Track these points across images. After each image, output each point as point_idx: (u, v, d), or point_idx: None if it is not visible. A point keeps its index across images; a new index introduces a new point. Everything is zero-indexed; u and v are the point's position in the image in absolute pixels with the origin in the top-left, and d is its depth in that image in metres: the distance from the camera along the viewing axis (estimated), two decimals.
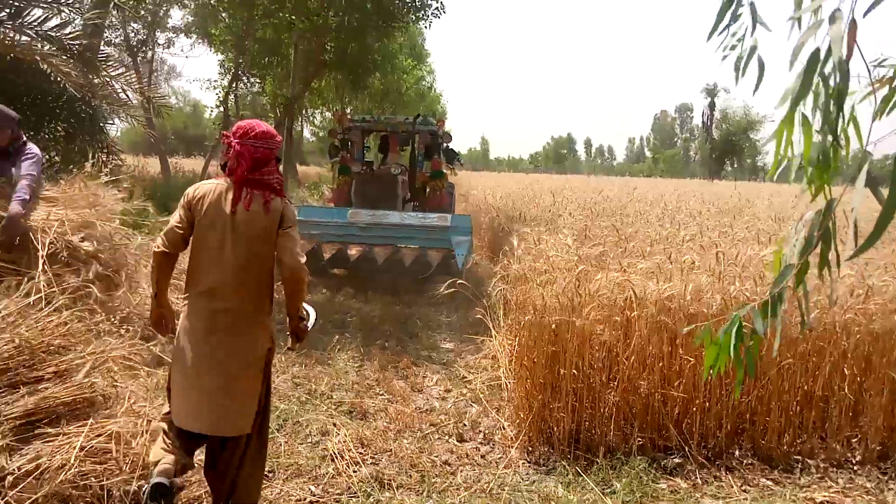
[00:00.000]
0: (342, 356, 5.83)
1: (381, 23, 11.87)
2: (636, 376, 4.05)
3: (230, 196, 2.88)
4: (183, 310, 2.94)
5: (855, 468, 3.96)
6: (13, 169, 4.24)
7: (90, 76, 6.30)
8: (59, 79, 5.77)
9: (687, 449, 3.96)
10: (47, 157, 6.84)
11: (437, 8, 12.36)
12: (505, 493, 3.56)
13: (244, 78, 16.83)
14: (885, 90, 1.43)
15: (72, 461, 2.56)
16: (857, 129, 1.52)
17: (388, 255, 8.23)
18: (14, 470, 2.48)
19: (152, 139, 9.58)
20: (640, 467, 3.72)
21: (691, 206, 11.96)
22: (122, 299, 4.49)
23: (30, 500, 2.43)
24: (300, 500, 3.41)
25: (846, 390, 4.05)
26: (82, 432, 2.68)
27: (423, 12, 12.25)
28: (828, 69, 1.41)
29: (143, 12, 16.89)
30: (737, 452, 4.02)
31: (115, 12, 13.30)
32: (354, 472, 3.70)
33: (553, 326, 4.08)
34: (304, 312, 3.15)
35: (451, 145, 10.76)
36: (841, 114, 1.44)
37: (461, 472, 3.82)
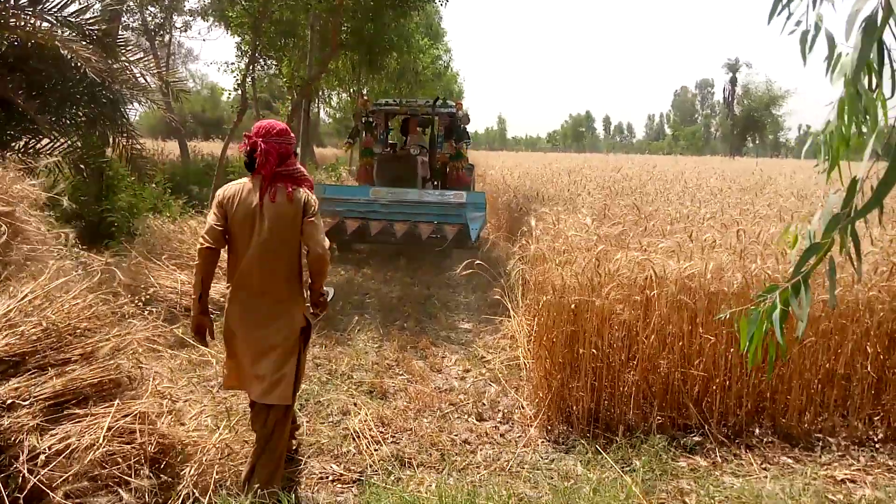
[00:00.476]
0: (362, 337, 5.89)
1: (397, 2, 11.79)
2: (656, 355, 4.04)
3: (257, 192, 3.13)
4: (228, 299, 3.24)
5: (877, 446, 3.93)
6: None
7: (109, 61, 6.32)
8: (79, 64, 5.80)
9: (707, 427, 3.96)
10: (69, 141, 6.90)
11: None
12: (524, 471, 3.59)
13: (261, 60, 16.82)
14: None
15: (100, 441, 2.61)
16: (884, 104, 1.48)
17: (407, 230, 8.62)
18: (45, 449, 2.54)
19: (173, 123, 9.65)
20: (660, 446, 3.72)
21: (712, 183, 11.81)
22: None
23: (60, 479, 2.50)
24: (322, 478, 3.47)
25: (869, 368, 4.01)
26: (109, 413, 2.74)
27: None
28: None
29: None
30: (757, 431, 4.01)
31: None
32: (375, 450, 3.74)
33: (572, 306, 4.07)
34: (324, 290, 3.38)
35: (466, 126, 10.96)
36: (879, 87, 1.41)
37: (481, 450, 3.85)
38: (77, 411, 2.73)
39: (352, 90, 23.24)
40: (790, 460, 3.78)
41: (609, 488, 3.36)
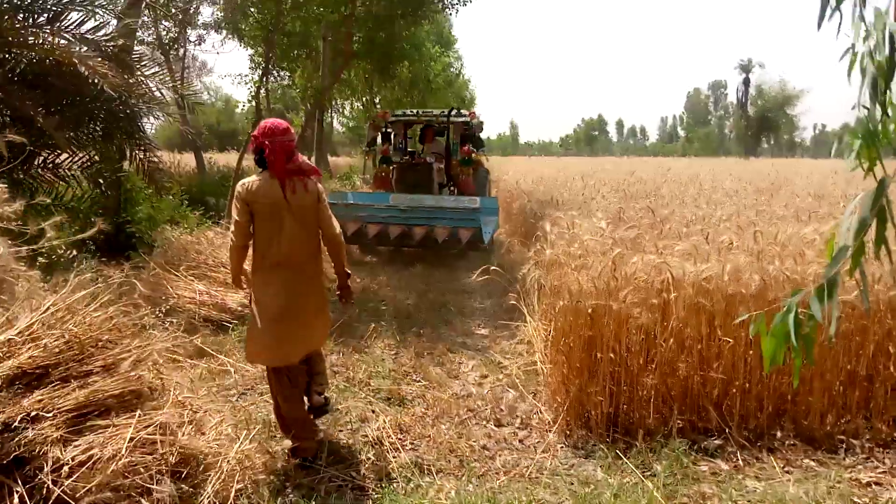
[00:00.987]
0: (378, 344, 5.90)
1: (408, 11, 11.86)
2: (674, 359, 4.02)
3: (276, 185, 3.54)
4: (255, 286, 3.67)
5: None
6: None
7: (126, 76, 6.41)
8: (96, 80, 5.88)
9: (727, 430, 3.93)
10: (87, 156, 7.00)
11: None
12: (544, 477, 3.58)
13: (274, 71, 16.96)
14: None
15: (122, 451, 2.64)
16: None
17: (425, 233, 9.18)
18: (69, 460, 2.57)
19: (189, 136, 9.74)
20: (681, 449, 3.69)
21: (727, 185, 11.73)
22: None
23: (84, 489, 2.52)
24: (342, 486, 3.48)
25: (892, 369, 3.96)
26: (131, 424, 2.76)
27: (449, 0, 12.22)
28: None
29: (173, 11, 17.11)
30: (778, 433, 3.96)
31: (147, 12, 13.51)
32: (394, 457, 3.75)
33: (589, 311, 4.06)
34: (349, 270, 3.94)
35: (480, 134, 11.45)
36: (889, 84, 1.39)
37: (500, 456, 3.84)
38: (99, 422, 2.76)
39: (364, 99, 23.36)
40: (813, 463, 3.73)
41: (630, 493, 3.35)
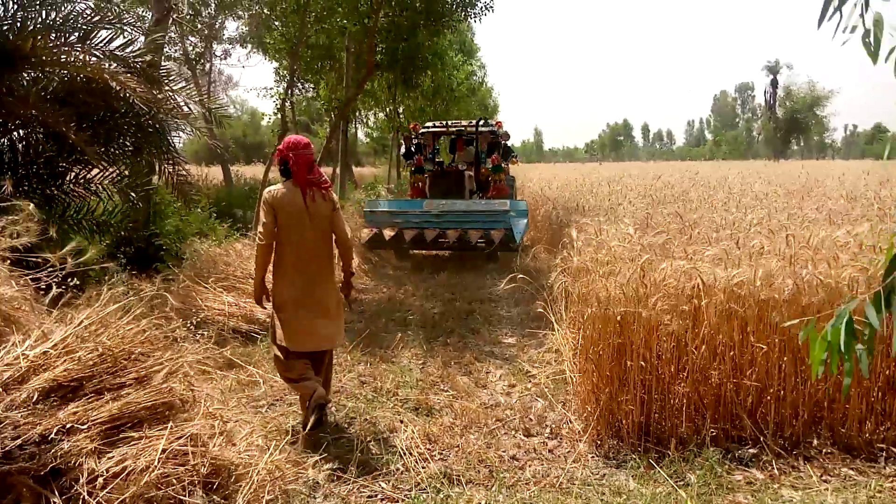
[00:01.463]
0: (406, 354, 5.90)
1: (430, 21, 11.90)
2: (706, 366, 3.95)
3: (298, 194, 4.05)
4: (276, 281, 4.16)
5: None
6: None
7: (154, 91, 6.50)
8: (126, 95, 5.99)
9: (762, 439, 3.84)
10: (118, 171, 7.12)
11: (485, 5, 12.32)
12: (575, 487, 3.54)
13: (299, 84, 17.14)
14: None
15: (155, 463, 2.67)
16: None
17: (458, 236, 9.76)
18: (103, 472, 2.61)
19: (218, 150, 9.88)
20: (714, 459, 3.63)
21: (757, 188, 11.56)
22: None
23: (118, 501, 2.55)
24: (371, 497, 3.47)
25: None
26: (163, 435, 2.79)
27: (471, 10, 12.22)
28: None
29: (200, 26, 17.42)
30: (815, 441, 3.86)
31: (174, 28, 13.76)
32: (423, 468, 3.73)
33: (618, 318, 4.02)
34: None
35: (507, 142, 12.45)
36: None
37: (529, 466, 3.81)
38: (132, 434, 2.79)
39: (388, 109, 23.47)
40: (852, 472, 3.64)
41: (663, 503, 3.29)
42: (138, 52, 6.66)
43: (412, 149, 12.29)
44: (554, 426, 4.35)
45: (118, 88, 5.91)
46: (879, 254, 4.08)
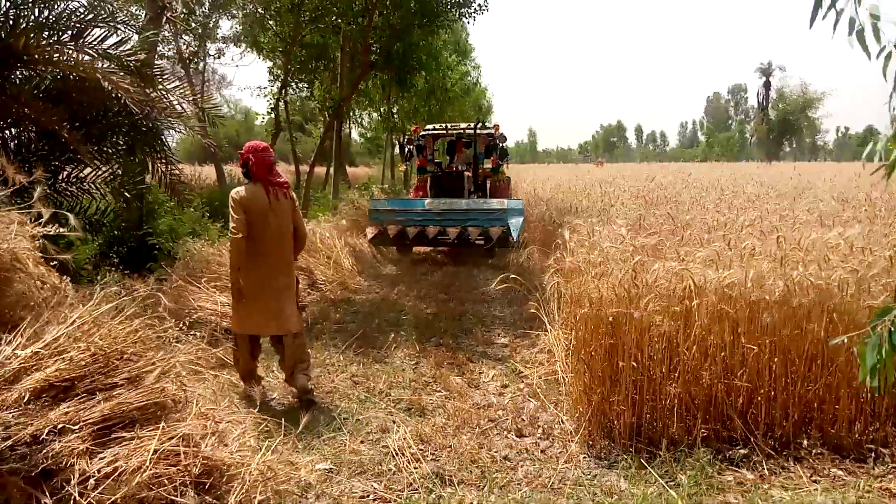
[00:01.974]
0: (399, 354, 5.90)
1: (425, 21, 11.90)
2: (698, 367, 3.97)
3: (262, 192, 4.57)
4: (246, 267, 4.57)
5: None
6: None
7: (148, 90, 6.48)
8: (119, 95, 5.95)
9: (753, 439, 3.87)
10: (111, 170, 7.09)
11: (479, 5, 12.33)
12: (567, 487, 3.55)
13: (293, 83, 17.10)
14: None
15: (147, 463, 2.66)
16: None
17: (458, 233, 10.29)
18: (94, 473, 2.60)
19: (212, 150, 9.84)
20: (705, 459, 3.65)
21: (749, 190, 11.62)
22: None
23: (109, 502, 2.55)
24: (363, 497, 3.48)
25: None
26: (155, 436, 2.79)
27: (466, 9, 12.23)
28: None
29: (193, 25, 17.36)
30: (805, 442, 3.89)
31: (167, 26, 13.71)
32: (415, 468, 3.74)
33: (610, 319, 4.03)
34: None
35: (503, 145, 12.96)
36: None
37: (521, 467, 3.82)
38: (124, 435, 2.78)
39: (382, 109, 23.46)
40: (841, 472, 3.66)
41: (654, 503, 3.31)
42: (131, 51, 6.63)
43: (413, 150, 12.88)
44: (546, 427, 4.37)
45: (111, 87, 5.88)
46: (870, 255, 4.12)
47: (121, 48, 6.53)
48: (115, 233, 8.04)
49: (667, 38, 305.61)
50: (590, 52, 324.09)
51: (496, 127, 12.88)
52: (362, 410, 4.60)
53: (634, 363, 3.98)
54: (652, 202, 9.32)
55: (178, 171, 7.46)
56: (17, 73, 6.37)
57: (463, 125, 13.48)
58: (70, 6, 6.37)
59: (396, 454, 3.89)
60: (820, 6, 1.61)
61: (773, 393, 3.96)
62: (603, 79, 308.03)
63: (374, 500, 3.46)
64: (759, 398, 3.95)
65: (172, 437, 2.84)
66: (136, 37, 7.18)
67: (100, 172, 7.01)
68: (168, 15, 9.85)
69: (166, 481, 2.70)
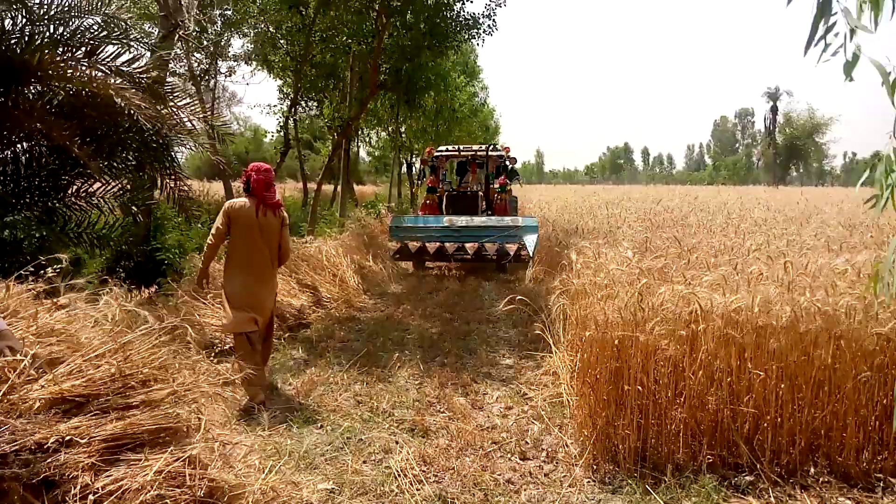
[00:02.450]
0: (402, 374, 5.88)
1: (434, 43, 11.99)
2: (703, 392, 3.94)
3: (254, 208, 5.08)
4: (227, 278, 5.18)
5: None
6: None
7: (159, 107, 6.55)
8: (130, 111, 6.02)
9: (759, 466, 3.83)
10: (120, 185, 7.14)
11: (489, 26, 12.42)
12: None
13: (302, 102, 17.21)
14: None
15: (151, 482, 2.64)
16: None
17: (476, 249, 10.92)
18: (97, 489, 2.58)
19: (222, 166, 9.87)
20: (710, 486, 3.61)
21: (756, 214, 11.62)
22: None
23: None
24: None
25: None
26: (162, 458, 2.77)
27: (475, 31, 12.31)
28: None
29: (205, 43, 17.52)
30: (812, 470, 3.85)
31: (179, 44, 13.84)
32: (418, 489, 3.71)
33: (616, 342, 4.02)
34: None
35: (513, 166, 13.83)
36: None
37: (525, 490, 3.79)
38: (132, 456, 2.77)
39: (390, 129, 23.58)
40: (849, 501, 3.62)
41: None
42: (144, 68, 6.71)
43: (426, 170, 13.80)
44: (550, 450, 4.34)
45: (123, 104, 5.94)
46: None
47: (133, 65, 6.61)
48: (123, 247, 8.07)
49: (674, 62, 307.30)
50: (597, 75, 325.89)
51: (507, 149, 13.65)
52: (365, 430, 4.58)
53: (640, 387, 3.96)
54: (658, 225, 9.32)
55: (186, 187, 7.51)
56: (32, 88, 6.44)
57: (475, 147, 14.24)
58: (85, 23, 6.46)
59: (399, 475, 3.86)
60: (814, 37, 1.67)
61: (779, 419, 3.93)
62: (610, 101, 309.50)
63: None
64: (766, 424, 3.91)
65: (178, 459, 2.83)
66: (148, 54, 7.28)
67: (109, 187, 7.05)
68: (180, 33, 9.95)
69: (170, 502, 2.68)
